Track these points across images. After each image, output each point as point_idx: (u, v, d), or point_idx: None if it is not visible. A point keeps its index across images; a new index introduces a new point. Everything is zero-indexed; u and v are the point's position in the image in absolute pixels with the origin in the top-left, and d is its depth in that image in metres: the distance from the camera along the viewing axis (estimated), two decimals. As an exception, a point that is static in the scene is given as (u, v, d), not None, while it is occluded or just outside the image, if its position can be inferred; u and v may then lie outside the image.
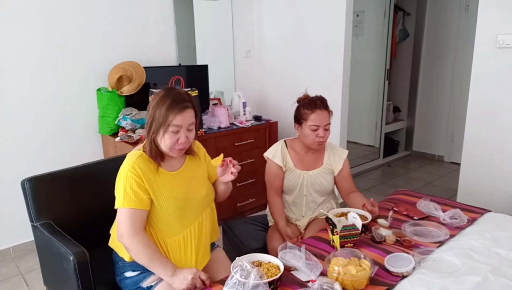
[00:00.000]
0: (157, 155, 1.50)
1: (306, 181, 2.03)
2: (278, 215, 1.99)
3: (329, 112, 1.96)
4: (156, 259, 1.43)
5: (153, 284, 1.51)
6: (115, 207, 1.47)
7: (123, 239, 1.43)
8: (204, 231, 1.61)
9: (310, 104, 1.94)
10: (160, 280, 1.50)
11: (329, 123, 1.95)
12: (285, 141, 2.10)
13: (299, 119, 1.98)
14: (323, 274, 1.38)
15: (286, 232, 1.90)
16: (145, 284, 1.52)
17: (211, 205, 1.69)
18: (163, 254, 1.47)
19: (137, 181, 1.44)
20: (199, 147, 1.71)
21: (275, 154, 2.05)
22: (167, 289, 1.48)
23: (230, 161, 1.57)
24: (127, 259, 1.52)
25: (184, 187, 1.55)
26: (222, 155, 1.55)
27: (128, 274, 1.56)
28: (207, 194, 1.63)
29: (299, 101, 2.01)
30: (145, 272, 1.53)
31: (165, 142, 1.46)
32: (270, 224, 2.14)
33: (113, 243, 1.61)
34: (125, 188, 1.43)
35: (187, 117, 1.47)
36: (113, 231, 1.62)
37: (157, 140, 1.48)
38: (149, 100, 2.74)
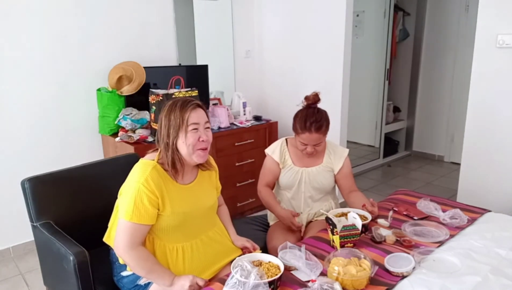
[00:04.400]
0: (175, 165, 1.48)
1: (305, 178, 2.04)
2: (273, 201, 2.02)
3: (323, 133, 1.92)
4: (153, 271, 1.42)
5: (150, 281, 1.51)
6: (120, 217, 1.43)
7: (119, 251, 1.43)
8: (213, 248, 1.61)
9: (302, 123, 1.89)
10: None
11: (321, 141, 1.94)
12: (286, 139, 2.11)
13: (293, 128, 1.98)
14: (323, 274, 1.38)
15: (287, 215, 1.92)
16: (142, 281, 1.52)
17: (218, 223, 1.70)
18: (160, 265, 1.46)
19: (148, 196, 1.41)
20: (213, 163, 1.71)
21: (274, 150, 2.07)
22: None
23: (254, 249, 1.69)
24: (121, 261, 1.52)
25: (193, 201, 1.54)
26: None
27: (125, 273, 1.56)
28: (212, 205, 1.64)
29: (305, 100, 1.99)
30: None
31: (188, 142, 1.45)
32: (271, 223, 2.14)
33: (108, 239, 1.60)
34: (135, 201, 1.40)
35: (201, 114, 1.50)
36: (111, 226, 1.59)
37: (178, 145, 1.46)
38: (149, 100, 2.76)
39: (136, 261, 1.41)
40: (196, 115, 1.47)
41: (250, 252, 1.66)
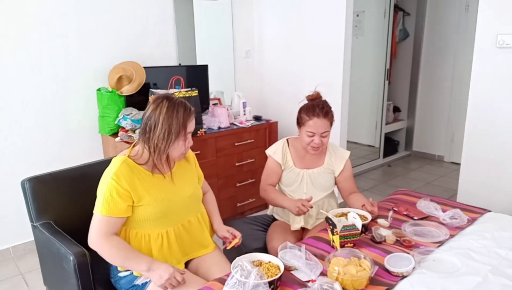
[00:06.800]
0: (159, 164, 1.51)
1: (306, 180, 2.03)
2: (279, 194, 2.00)
3: (329, 120, 1.92)
4: (129, 258, 1.42)
5: (147, 280, 1.51)
6: (93, 212, 1.47)
7: (92, 243, 1.44)
8: (192, 234, 1.64)
9: (310, 110, 1.91)
10: None
11: (328, 131, 1.92)
12: (287, 139, 2.10)
13: (298, 122, 1.98)
14: (323, 274, 1.38)
15: (296, 200, 1.86)
16: (139, 281, 1.52)
17: (201, 210, 1.72)
18: (136, 251, 1.46)
19: (118, 190, 1.43)
20: (189, 153, 1.74)
21: (275, 151, 2.06)
22: None
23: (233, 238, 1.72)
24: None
25: (171, 189, 1.57)
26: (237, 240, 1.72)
27: (122, 274, 1.56)
28: (192, 194, 1.65)
29: (307, 99, 1.99)
30: None
31: (179, 149, 1.50)
32: (277, 217, 2.14)
33: None
34: (105, 195, 1.43)
35: (194, 122, 1.56)
36: None
37: (170, 150, 1.49)
38: (149, 100, 2.76)
39: (110, 250, 1.42)
40: (193, 124, 1.53)
41: (230, 242, 1.69)
